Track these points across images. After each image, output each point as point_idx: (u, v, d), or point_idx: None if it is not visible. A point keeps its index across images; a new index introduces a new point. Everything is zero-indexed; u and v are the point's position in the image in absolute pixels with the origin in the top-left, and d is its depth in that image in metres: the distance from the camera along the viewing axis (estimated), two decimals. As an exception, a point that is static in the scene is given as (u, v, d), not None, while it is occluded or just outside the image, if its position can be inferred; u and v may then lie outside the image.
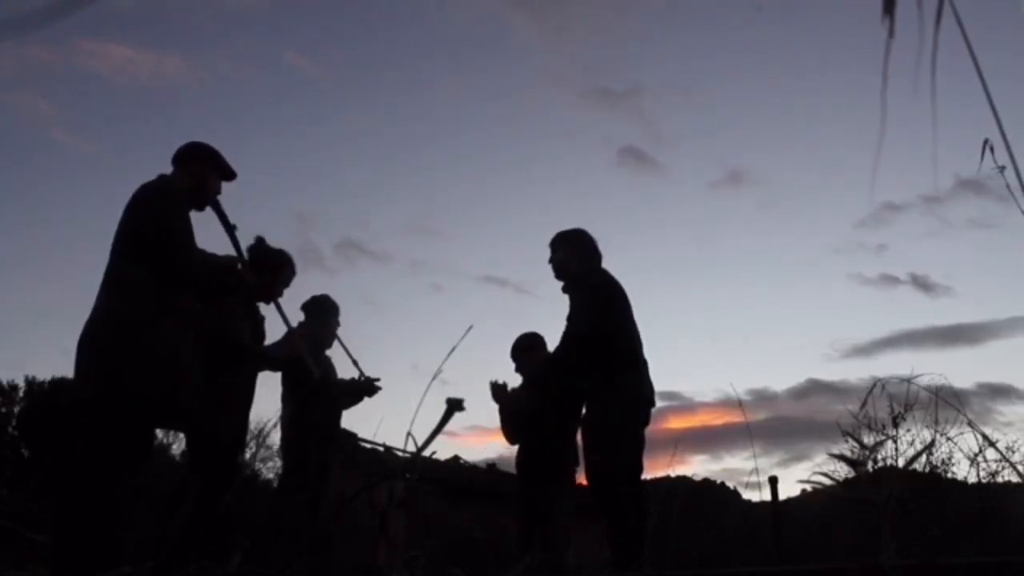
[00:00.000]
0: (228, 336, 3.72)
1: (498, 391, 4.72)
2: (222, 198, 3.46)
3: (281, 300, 3.92)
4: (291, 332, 4.02)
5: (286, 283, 4.02)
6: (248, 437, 3.96)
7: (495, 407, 4.84)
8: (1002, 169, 1.22)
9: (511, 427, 4.77)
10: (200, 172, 3.34)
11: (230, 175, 3.44)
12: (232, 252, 3.50)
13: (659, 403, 4.17)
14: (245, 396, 3.86)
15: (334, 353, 4.74)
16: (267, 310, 4.06)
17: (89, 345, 2.96)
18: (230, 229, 3.49)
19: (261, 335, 4.05)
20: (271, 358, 4.07)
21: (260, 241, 3.94)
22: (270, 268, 3.89)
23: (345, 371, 4.73)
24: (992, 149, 1.24)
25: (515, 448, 4.81)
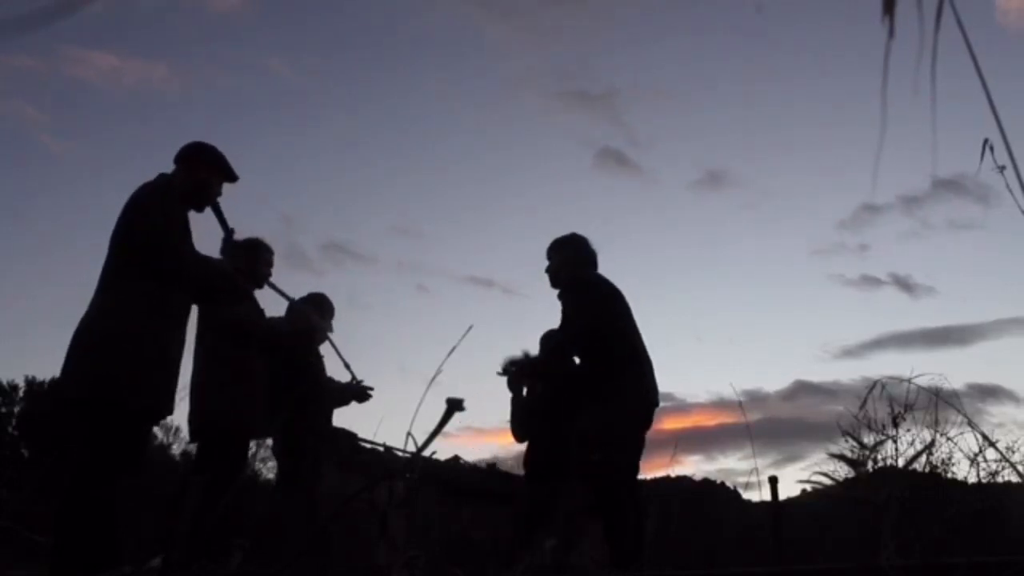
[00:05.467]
0: (242, 321, 3.81)
1: (515, 371, 4.43)
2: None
3: (273, 280, 4.09)
4: (293, 305, 4.13)
5: (269, 263, 4.18)
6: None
7: (490, 408, 4.84)
8: (1002, 169, 1.21)
9: (521, 424, 4.61)
10: (202, 172, 3.32)
11: (232, 177, 3.44)
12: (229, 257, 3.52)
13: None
14: (260, 379, 3.95)
15: (325, 355, 4.74)
16: (265, 297, 4.17)
17: (81, 346, 2.95)
18: (227, 233, 3.49)
19: None
20: (280, 332, 4.15)
21: (230, 234, 3.97)
22: (244, 254, 3.96)
23: (336, 374, 4.74)
24: (992, 149, 1.24)
25: (516, 448, 4.80)
